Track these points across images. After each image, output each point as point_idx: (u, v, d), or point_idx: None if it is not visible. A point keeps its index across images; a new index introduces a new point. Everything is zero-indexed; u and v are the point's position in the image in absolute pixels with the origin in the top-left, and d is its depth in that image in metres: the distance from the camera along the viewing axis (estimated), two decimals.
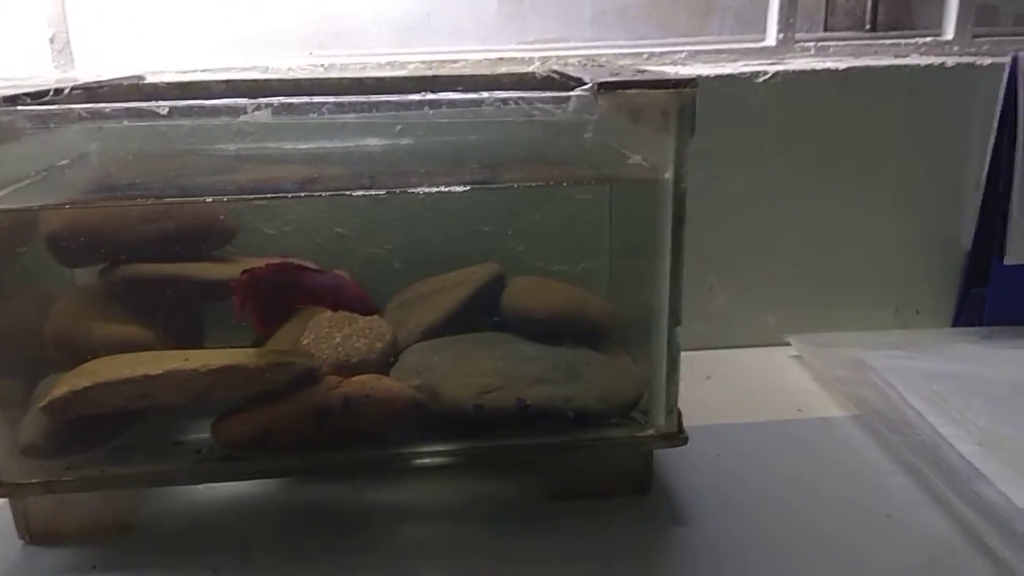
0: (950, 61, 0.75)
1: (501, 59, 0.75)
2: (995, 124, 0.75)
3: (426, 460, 0.52)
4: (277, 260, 0.55)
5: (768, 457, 0.59)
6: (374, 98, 0.45)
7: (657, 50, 0.76)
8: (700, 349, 0.77)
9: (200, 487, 0.54)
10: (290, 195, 0.50)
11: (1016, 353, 0.71)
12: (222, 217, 0.55)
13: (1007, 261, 0.76)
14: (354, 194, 0.52)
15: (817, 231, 0.78)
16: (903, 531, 0.50)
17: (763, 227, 0.77)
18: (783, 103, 0.73)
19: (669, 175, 0.46)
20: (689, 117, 0.45)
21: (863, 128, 0.75)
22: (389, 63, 0.75)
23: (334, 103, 0.45)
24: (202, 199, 0.49)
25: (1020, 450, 0.55)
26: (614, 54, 0.76)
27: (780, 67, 0.72)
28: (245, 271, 0.51)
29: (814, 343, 0.75)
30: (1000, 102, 0.74)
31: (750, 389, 0.70)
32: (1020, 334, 0.76)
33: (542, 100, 0.45)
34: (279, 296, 0.50)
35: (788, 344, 0.76)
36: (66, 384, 0.46)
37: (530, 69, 0.74)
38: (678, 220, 0.47)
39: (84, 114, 0.44)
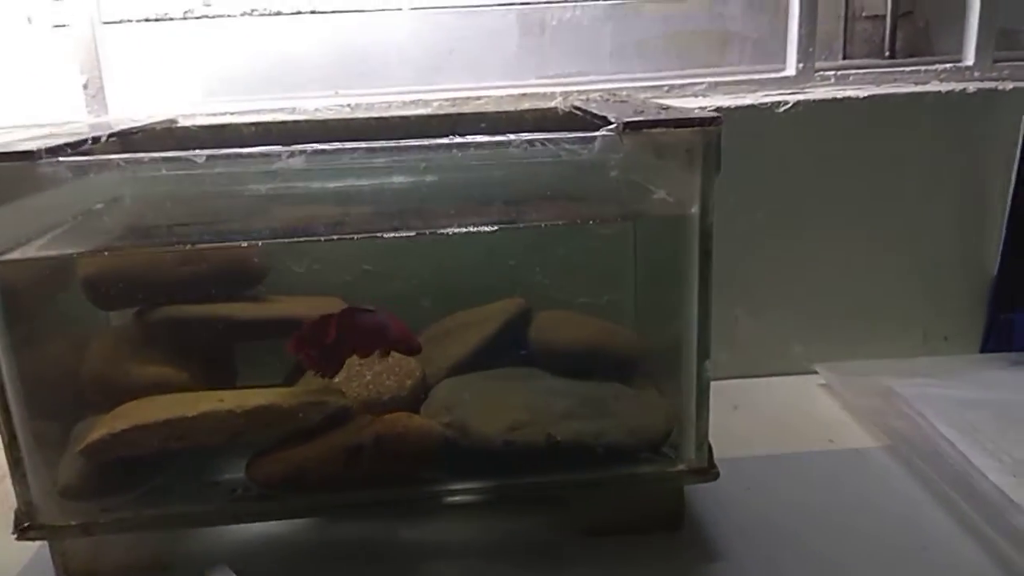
0: (971, 87, 0.75)
1: (523, 94, 0.76)
2: (1019, 148, 0.75)
3: (457, 497, 0.52)
4: (332, 307, 0.55)
5: (800, 490, 0.59)
6: (403, 143, 0.46)
7: (677, 82, 0.77)
8: (726, 379, 0.77)
9: (235, 526, 0.54)
10: (322, 239, 0.50)
11: None
12: (255, 259, 0.56)
13: None
14: (384, 236, 0.53)
15: (841, 259, 0.78)
16: (939, 565, 0.49)
17: (787, 256, 0.77)
18: (804, 132, 0.73)
19: (695, 210, 0.47)
20: (714, 154, 0.45)
21: (886, 156, 0.75)
22: (413, 101, 0.76)
23: (365, 148, 0.46)
24: (237, 243, 0.50)
25: None
26: (634, 87, 0.77)
27: (801, 96, 0.73)
28: (302, 327, 0.51)
29: (842, 372, 0.74)
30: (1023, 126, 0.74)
31: (779, 420, 0.70)
32: None
33: (568, 141, 0.45)
34: (336, 344, 0.50)
35: (815, 372, 0.76)
36: (104, 427, 0.47)
37: (552, 104, 0.75)
38: (705, 254, 0.47)
39: (123, 163, 0.45)
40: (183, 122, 0.70)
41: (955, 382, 0.70)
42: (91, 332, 0.57)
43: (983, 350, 0.80)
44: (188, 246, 0.49)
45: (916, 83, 0.77)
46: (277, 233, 0.50)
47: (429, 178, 0.60)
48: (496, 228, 0.50)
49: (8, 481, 0.49)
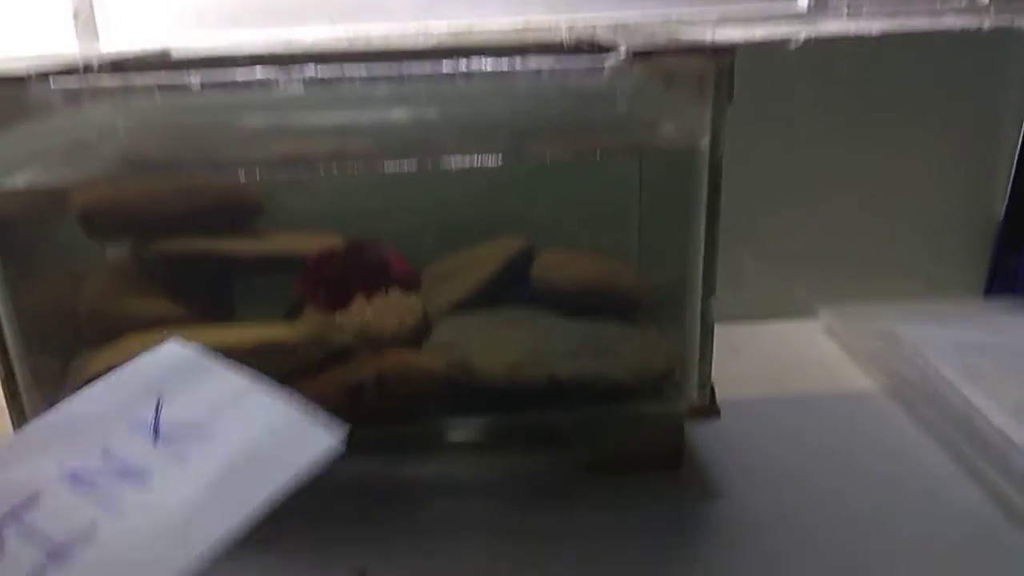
0: (987, 24, 0.72)
1: (528, 27, 0.74)
2: None
3: (458, 435, 0.52)
4: (332, 243, 0.54)
5: (800, 432, 0.59)
6: (406, 69, 0.45)
7: (686, 15, 0.75)
8: (727, 321, 0.76)
9: None
10: (323, 171, 0.49)
11: None
12: (252, 193, 0.55)
13: None
14: (385, 168, 0.52)
15: (847, 200, 0.76)
16: (941, 506, 0.50)
17: (793, 196, 0.76)
18: (815, 68, 0.71)
19: (705, 144, 0.45)
20: (727, 83, 0.44)
21: (896, 94, 0.73)
22: (414, 33, 0.74)
23: (366, 75, 0.44)
24: (236, 175, 0.48)
25: None
26: (642, 20, 0.75)
27: (812, 31, 0.71)
28: (309, 261, 0.50)
29: (844, 315, 0.74)
30: None
31: (780, 362, 0.70)
32: None
33: (576, 69, 0.44)
34: (343, 281, 0.50)
35: (817, 316, 0.76)
36: (103, 361, 0.47)
37: (558, 37, 0.73)
38: (714, 189, 0.46)
39: (116, 89, 0.44)
40: (177, 53, 0.68)
41: (958, 326, 0.70)
42: (88, 266, 0.56)
43: (987, 294, 0.80)
44: (185, 176, 0.48)
45: (931, 16, 0.74)
46: (277, 165, 0.49)
47: (431, 111, 0.59)
48: (501, 161, 0.48)
49: (6, 417, 0.48)
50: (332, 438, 0.31)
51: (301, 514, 0.50)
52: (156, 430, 0.30)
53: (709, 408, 0.51)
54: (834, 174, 0.76)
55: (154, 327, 0.50)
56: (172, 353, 0.35)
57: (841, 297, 0.78)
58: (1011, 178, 0.76)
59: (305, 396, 0.49)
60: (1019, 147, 0.75)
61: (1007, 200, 0.77)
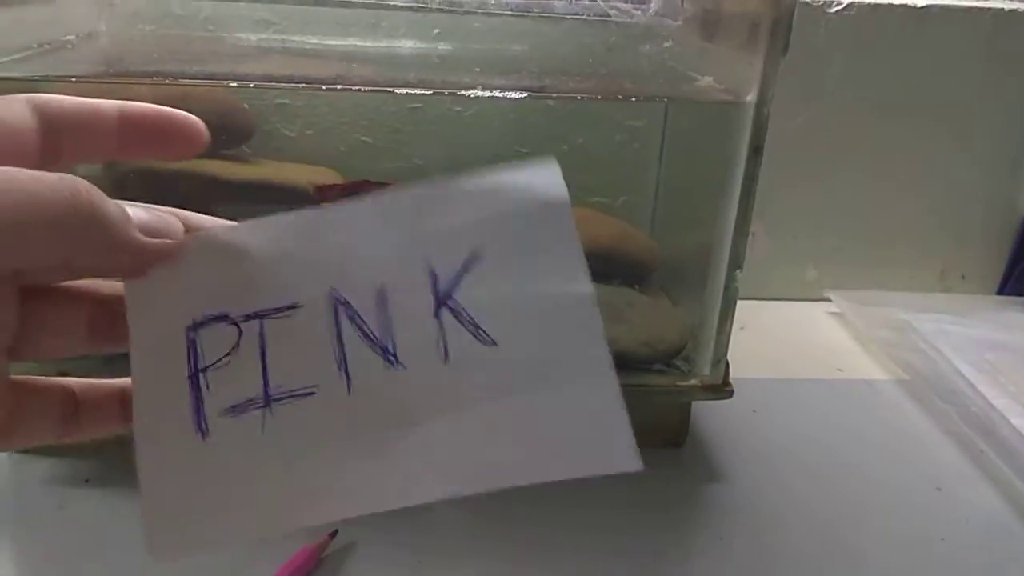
0: None
1: None
2: None
3: None
4: (328, 177, 0.50)
5: (807, 417, 0.56)
6: None
7: None
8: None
9: None
10: (324, 87, 0.44)
11: None
12: (239, 112, 0.50)
13: None
14: (397, 91, 0.47)
15: (870, 183, 0.73)
16: (955, 505, 0.47)
17: (815, 173, 0.72)
18: (854, 38, 0.67)
19: (752, 98, 0.41)
20: (785, 31, 0.39)
21: (935, 74, 0.69)
22: None
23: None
24: (224, 83, 0.43)
25: None
26: None
27: None
28: (319, 187, 0.46)
29: (855, 300, 0.71)
30: None
31: (788, 344, 0.67)
32: None
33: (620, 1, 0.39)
34: None
35: (827, 300, 0.72)
36: None
37: None
38: (755, 150, 0.42)
39: None
40: None
41: (973, 321, 0.67)
42: None
43: (1000, 292, 0.77)
44: (167, 80, 0.43)
45: None
46: (268, 77, 0.44)
47: (442, 46, 0.54)
48: (525, 95, 0.44)
49: None
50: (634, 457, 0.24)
51: None
52: (439, 296, 0.23)
53: (722, 386, 0.48)
54: (857, 155, 0.72)
55: None
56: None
57: (852, 282, 0.74)
58: None
59: None
60: None
61: None
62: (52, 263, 0.21)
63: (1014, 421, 0.52)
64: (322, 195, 0.48)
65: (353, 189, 0.48)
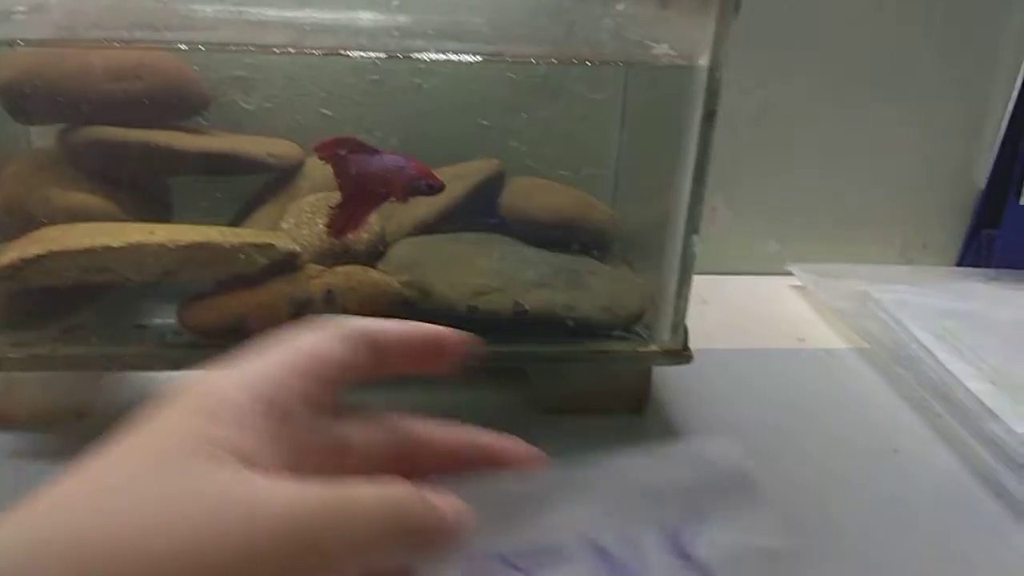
0: None
1: None
2: None
3: None
4: (289, 150, 0.49)
5: (768, 385, 0.56)
6: None
7: None
8: (698, 272, 0.73)
9: (163, 375, 0.49)
10: (277, 50, 0.44)
11: None
12: (192, 81, 0.49)
13: (1023, 201, 0.73)
14: (351, 55, 0.46)
15: (830, 157, 0.74)
16: (910, 466, 0.48)
17: (775, 147, 0.73)
18: (818, 11, 0.67)
19: (704, 61, 0.41)
20: None
21: (896, 46, 0.70)
22: None
23: None
24: (175, 46, 0.43)
25: None
26: None
27: None
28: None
29: (816, 273, 0.71)
30: None
31: (749, 315, 0.67)
32: None
33: None
34: (352, 181, 0.44)
35: (789, 273, 0.73)
36: (15, 251, 0.41)
37: None
38: (709, 114, 0.43)
39: None
40: None
41: (932, 291, 0.68)
42: (8, 151, 0.50)
43: (960, 263, 0.78)
44: (116, 44, 0.42)
45: None
46: (218, 42, 0.43)
47: (401, 18, 0.54)
48: (478, 58, 0.44)
49: None
50: None
51: None
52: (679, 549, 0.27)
53: (681, 351, 0.48)
54: (819, 131, 0.73)
55: (79, 220, 0.45)
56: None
57: (814, 256, 0.75)
58: (996, 150, 0.75)
59: (245, 306, 0.44)
60: (1009, 114, 0.73)
61: (990, 171, 0.75)
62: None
63: (969, 384, 0.53)
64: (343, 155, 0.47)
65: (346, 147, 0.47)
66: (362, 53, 0.44)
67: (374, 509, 0.21)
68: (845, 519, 0.43)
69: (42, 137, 0.52)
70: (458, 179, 0.55)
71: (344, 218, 0.47)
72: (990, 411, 0.50)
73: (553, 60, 0.48)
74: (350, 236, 0.47)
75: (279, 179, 0.54)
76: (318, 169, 0.53)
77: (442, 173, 0.56)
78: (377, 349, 0.27)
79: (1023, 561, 0.40)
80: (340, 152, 0.45)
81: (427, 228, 0.52)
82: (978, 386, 0.53)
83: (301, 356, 0.25)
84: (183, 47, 0.42)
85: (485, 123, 0.60)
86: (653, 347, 0.48)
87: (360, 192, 0.47)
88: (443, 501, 0.24)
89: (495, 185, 0.55)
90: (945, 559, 0.40)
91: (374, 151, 0.47)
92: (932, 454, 0.49)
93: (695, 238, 0.46)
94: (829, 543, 0.41)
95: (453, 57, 0.43)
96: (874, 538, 0.41)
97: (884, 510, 0.44)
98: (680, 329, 0.48)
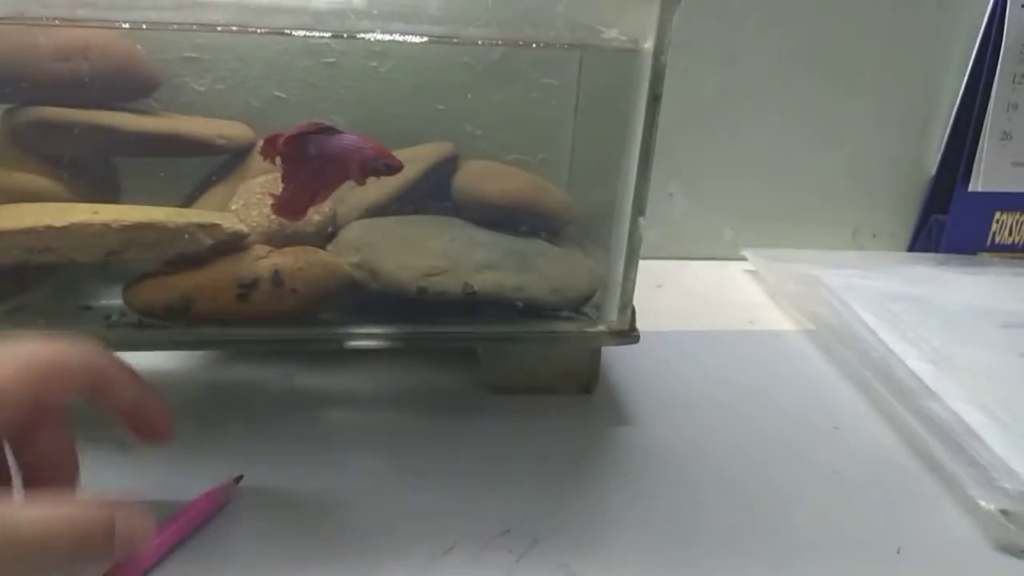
0: None
1: None
2: (977, 43, 0.72)
3: (361, 342, 0.48)
4: (243, 132, 0.49)
5: (717, 365, 0.57)
6: None
7: None
8: (654, 258, 0.75)
9: None
10: (219, 28, 0.44)
11: (971, 279, 0.70)
12: (141, 61, 0.49)
13: (972, 188, 0.75)
14: (295, 34, 0.47)
15: (783, 144, 0.75)
16: (850, 442, 0.49)
17: (730, 136, 0.74)
18: (766, 3, 0.68)
19: (649, 45, 0.42)
20: None
21: (845, 35, 0.71)
22: None
23: None
24: (119, 25, 0.43)
25: (973, 370, 0.54)
26: None
27: None
28: (266, 139, 0.45)
29: (769, 258, 0.73)
30: (985, 21, 0.71)
31: (702, 299, 0.68)
32: (975, 261, 0.75)
33: None
34: (308, 162, 0.44)
35: (744, 259, 0.74)
36: None
37: None
38: (654, 98, 0.43)
39: None
40: None
41: (880, 275, 0.70)
42: None
43: (911, 249, 0.80)
44: (56, 21, 0.42)
45: None
46: (172, 23, 0.43)
47: (355, 2, 0.54)
48: (426, 39, 0.44)
49: None
50: None
51: (186, 418, 0.46)
52: None
53: (628, 331, 0.49)
54: (772, 118, 0.74)
55: (23, 201, 0.45)
56: None
57: (768, 241, 0.77)
58: (946, 137, 0.76)
59: (191, 286, 0.44)
60: (958, 102, 0.75)
61: (940, 158, 0.77)
62: None
63: (910, 363, 0.55)
64: (270, 147, 0.46)
65: (304, 132, 0.46)
66: (307, 32, 0.44)
67: (27, 531, 0.24)
68: (787, 490, 0.44)
69: None
70: (411, 162, 0.55)
71: (304, 198, 0.46)
72: (928, 389, 0.52)
73: (498, 42, 0.49)
74: (303, 217, 0.47)
75: (231, 160, 0.53)
76: None
77: (395, 154, 0.56)
78: (98, 384, 0.31)
79: (950, 528, 0.42)
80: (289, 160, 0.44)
81: (379, 210, 0.53)
82: (918, 365, 0.54)
83: (35, 361, 0.28)
84: (126, 26, 0.42)
85: (440, 107, 0.60)
86: (601, 327, 0.49)
87: (318, 173, 0.47)
88: (123, 514, 0.27)
89: (448, 168, 0.55)
90: (879, 526, 0.41)
91: (332, 131, 0.47)
92: (871, 430, 0.50)
93: (641, 220, 0.47)
94: (772, 512, 0.42)
95: (399, 38, 0.43)
96: (814, 507, 0.43)
97: (823, 482, 0.45)
98: (628, 310, 0.49)
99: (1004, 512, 0.41)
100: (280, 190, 0.44)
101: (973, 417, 0.49)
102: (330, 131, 0.46)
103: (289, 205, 0.46)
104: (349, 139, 0.46)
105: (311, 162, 0.46)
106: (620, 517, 0.41)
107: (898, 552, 0.40)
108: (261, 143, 0.43)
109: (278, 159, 0.43)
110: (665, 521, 0.41)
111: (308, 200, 0.47)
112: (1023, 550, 0.40)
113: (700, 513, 0.41)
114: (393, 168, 0.46)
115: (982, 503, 0.41)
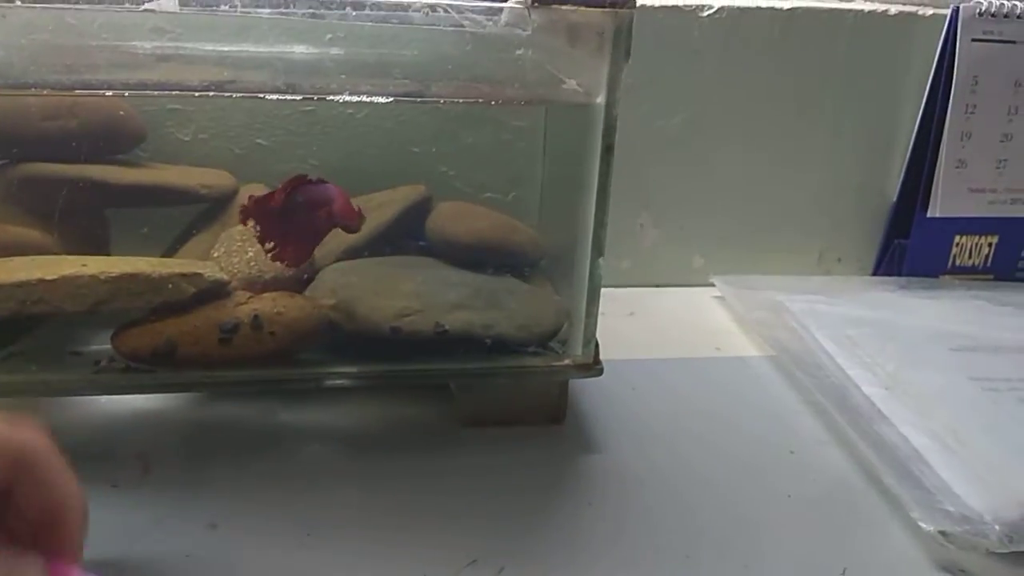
0: (893, 9, 0.74)
1: None
2: (931, 76, 0.75)
3: (338, 381, 0.51)
4: (223, 180, 0.52)
5: (682, 392, 0.60)
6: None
7: None
8: (626, 286, 0.77)
9: (100, 400, 0.52)
10: (196, 94, 0.47)
11: (930, 302, 0.73)
12: (127, 117, 0.52)
13: (930, 213, 0.78)
14: (270, 97, 0.49)
15: (748, 174, 0.78)
16: (804, 466, 0.51)
17: (697, 167, 0.76)
18: (726, 40, 0.71)
19: (601, 100, 0.45)
20: (625, 39, 0.43)
21: (803, 71, 0.74)
22: None
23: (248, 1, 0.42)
24: (104, 92, 0.45)
25: (924, 394, 0.57)
26: None
27: (726, 2, 0.71)
28: (252, 199, 0.47)
29: (736, 285, 0.75)
30: (937, 55, 0.75)
31: (671, 327, 0.71)
32: (935, 284, 0.78)
33: (472, 10, 0.43)
34: (290, 215, 0.46)
35: (712, 285, 0.77)
36: None
37: None
38: (607, 148, 0.46)
39: None
40: None
41: (843, 300, 0.73)
42: None
43: (875, 273, 0.83)
44: (46, 91, 0.44)
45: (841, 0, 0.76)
46: (151, 85, 0.46)
47: (334, 51, 0.57)
48: (391, 99, 0.47)
49: None
50: None
51: (171, 453, 0.49)
52: None
53: (592, 364, 0.51)
54: (738, 147, 0.77)
55: (16, 254, 0.47)
56: None
57: (737, 268, 0.79)
58: (906, 162, 0.79)
59: (176, 332, 0.47)
60: (915, 131, 0.78)
61: (899, 185, 0.80)
62: None
63: (864, 389, 0.57)
64: (256, 207, 0.48)
65: (288, 189, 0.49)
66: (280, 96, 0.47)
67: None
68: (742, 512, 0.46)
69: None
70: (386, 205, 0.58)
71: (300, 247, 0.49)
72: (880, 413, 0.54)
73: (461, 100, 0.51)
74: (304, 263, 0.50)
75: (213, 208, 0.56)
76: None
77: (371, 199, 0.59)
78: (19, 468, 0.28)
79: (894, 549, 0.44)
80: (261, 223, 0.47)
81: (356, 253, 0.55)
82: (872, 390, 0.57)
83: None
84: (109, 94, 0.45)
85: (415, 150, 0.63)
86: (567, 361, 0.52)
87: (306, 222, 0.49)
88: None
89: (422, 210, 0.58)
90: (826, 548, 0.44)
91: (311, 181, 0.49)
92: (825, 455, 0.53)
93: (600, 261, 0.49)
94: (728, 535, 0.44)
95: (366, 99, 0.46)
96: (767, 529, 0.45)
97: (777, 505, 0.47)
98: (591, 344, 0.52)
99: (943, 533, 0.43)
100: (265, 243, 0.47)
101: (920, 441, 0.51)
102: (310, 182, 0.49)
103: (286, 255, 0.48)
104: (327, 189, 0.49)
105: (295, 213, 0.49)
106: (585, 543, 0.43)
107: (843, 573, 0.42)
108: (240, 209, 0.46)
109: (250, 222, 0.46)
110: (627, 546, 0.43)
111: (308, 247, 0.49)
112: (962, 570, 0.43)
113: (659, 537, 0.44)
114: (354, 228, 0.49)
115: (923, 525, 0.44)
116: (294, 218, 0.48)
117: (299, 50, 0.56)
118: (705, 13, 0.70)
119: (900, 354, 0.63)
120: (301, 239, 0.49)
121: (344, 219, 0.47)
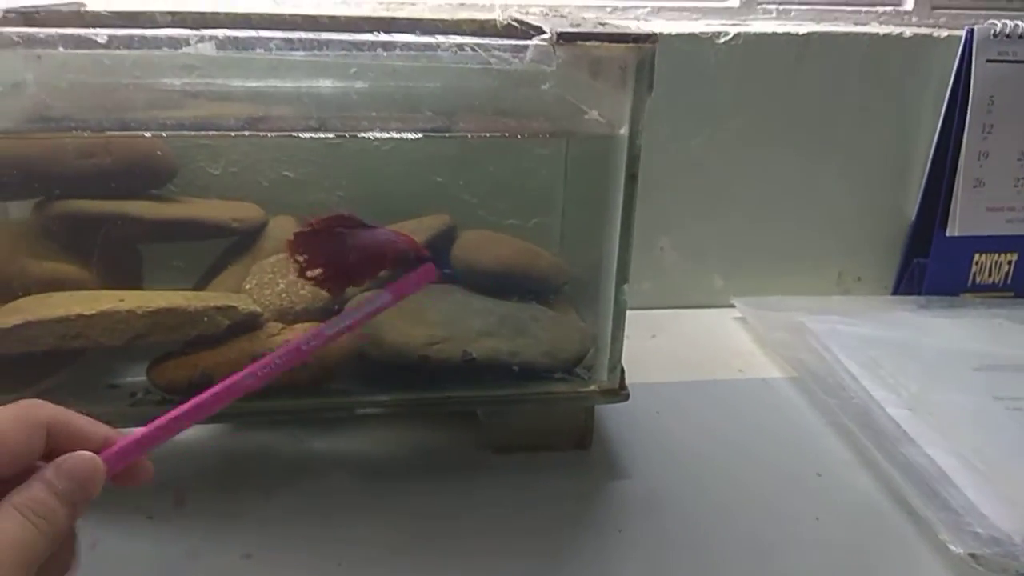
0: (908, 32, 0.75)
1: (462, 4, 0.74)
2: (947, 97, 0.76)
3: (368, 410, 0.51)
4: (252, 213, 0.52)
5: (707, 415, 0.60)
6: (324, 35, 0.44)
7: (620, 4, 0.75)
8: (647, 308, 0.78)
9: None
10: (232, 133, 0.48)
11: (950, 322, 0.73)
12: (160, 153, 0.53)
13: (949, 233, 0.78)
14: (302, 136, 0.51)
15: (768, 195, 0.78)
16: (831, 489, 0.52)
17: (716, 189, 0.77)
18: (743, 65, 0.72)
19: (624, 131, 0.46)
20: (648, 73, 0.44)
21: (819, 94, 0.75)
22: (344, 1, 0.73)
23: (282, 39, 0.43)
24: (140, 134, 0.47)
25: (947, 414, 0.57)
26: (577, 5, 0.75)
27: (742, 28, 0.72)
28: (296, 234, 0.47)
29: (757, 306, 0.76)
30: (953, 76, 0.75)
31: (693, 349, 0.71)
32: (955, 303, 0.78)
33: (499, 48, 0.44)
34: (336, 254, 0.46)
35: (733, 306, 0.78)
36: None
37: (491, 16, 0.72)
38: (631, 177, 0.47)
39: (18, 39, 0.42)
40: (92, 6, 0.65)
41: (863, 320, 0.73)
42: None
43: (895, 292, 0.83)
44: (86, 133, 0.46)
45: (855, 23, 0.77)
46: (185, 125, 0.47)
47: (358, 84, 0.58)
48: (421, 136, 0.48)
49: None
50: None
51: (205, 483, 0.50)
52: None
53: (618, 390, 0.52)
54: (757, 169, 0.77)
55: (54, 290, 0.49)
56: None
57: (757, 289, 0.80)
58: (924, 182, 0.80)
59: (210, 364, 0.48)
60: (932, 152, 0.78)
61: (919, 203, 0.80)
62: None
63: (889, 410, 0.58)
64: (300, 244, 0.47)
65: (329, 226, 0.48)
66: (312, 134, 0.48)
67: None
68: (771, 536, 0.47)
69: (19, 208, 0.56)
70: (413, 234, 0.58)
71: (341, 279, 0.49)
72: (905, 435, 0.55)
73: (488, 134, 0.52)
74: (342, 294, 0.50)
75: (243, 240, 0.57)
76: (280, 231, 0.58)
77: (396, 229, 0.60)
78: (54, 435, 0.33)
79: (923, 572, 0.44)
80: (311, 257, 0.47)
81: (383, 283, 0.56)
82: (897, 412, 0.57)
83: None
84: (147, 135, 0.46)
85: (439, 179, 0.64)
86: (592, 387, 0.52)
87: (356, 264, 0.49)
88: None
89: (446, 238, 0.59)
90: (854, 571, 0.44)
91: (357, 222, 0.49)
92: (852, 477, 0.53)
93: (625, 287, 0.50)
94: (756, 559, 0.45)
95: (396, 135, 0.47)
96: (795, 554, 0.45)
97: (803, 526, 0.48)
98: (617, 369, 0.52)
99: (973, 556, 0.44)
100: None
101: (947, 462, 0.51)
102: (356, 223, 0.49)
103: (328, 283, 0.48)
104: (382, 234, 0.49)
105: (345, 254, 0.48)
106: (617, 571, 0.44)
107: None
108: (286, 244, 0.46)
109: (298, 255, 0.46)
110: (662, 573, 0.44)
111: (346, 281, 0.49)
112: None
113: (691, 561, 0.44)
114: (425, 259, 0.48)
115: (952, 547, 0.44)
116: (344, 252, 0.48)
117: (326, 84, 0.58)
118: (722, 40, 0.71)
119: (923, 374, 0.63)
120: (349, 272, 0.49)
121: (417, 250, 0.47)
